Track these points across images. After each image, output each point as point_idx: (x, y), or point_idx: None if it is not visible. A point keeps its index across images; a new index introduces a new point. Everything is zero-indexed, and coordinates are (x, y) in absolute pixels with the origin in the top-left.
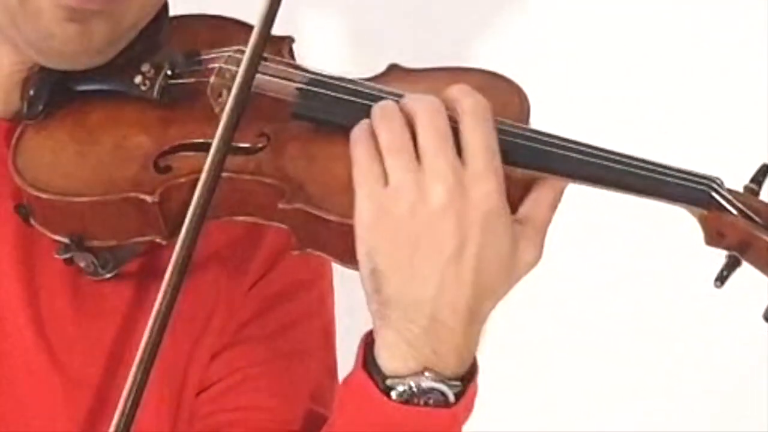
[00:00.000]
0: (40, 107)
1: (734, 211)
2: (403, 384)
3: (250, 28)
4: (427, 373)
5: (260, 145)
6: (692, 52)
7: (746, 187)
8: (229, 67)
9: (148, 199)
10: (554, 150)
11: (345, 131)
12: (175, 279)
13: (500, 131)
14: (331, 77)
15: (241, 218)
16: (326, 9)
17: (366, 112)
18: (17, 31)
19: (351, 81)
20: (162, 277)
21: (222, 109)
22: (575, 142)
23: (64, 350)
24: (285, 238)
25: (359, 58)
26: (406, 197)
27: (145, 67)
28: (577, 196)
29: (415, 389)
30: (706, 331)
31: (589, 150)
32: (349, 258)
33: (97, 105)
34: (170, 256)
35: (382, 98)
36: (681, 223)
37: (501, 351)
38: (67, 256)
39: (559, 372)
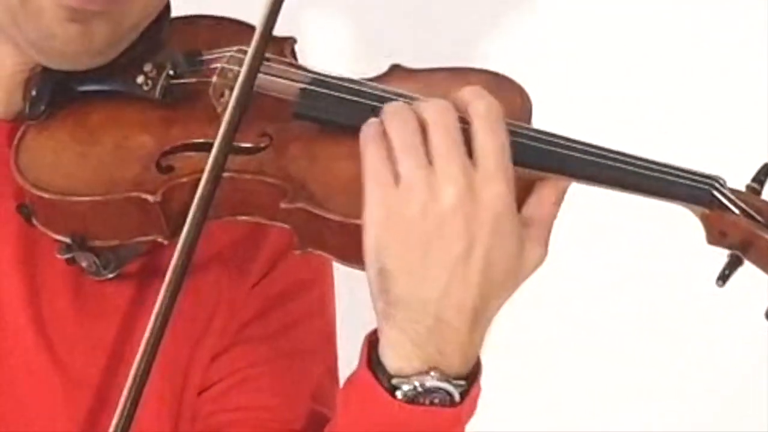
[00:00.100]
0: (42, 107)
1: (736, 210)
2: (409, 383)
3: (252, 28)
4: (432, 373)
5: (262, 145)
6: (692, 52)
7: (748, 187)
8: (231, 67)
9: (150, 198)
10: (556, 149)
11: (347, 131)
12: (176, 278)
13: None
14: (334, 77)
15: (242, 218)
16: (329, 9)
17: (369, 112)
18: (18, 30)
19: (353, 81)
20: (164, 277)
21: (224, 109)
22: (577, 142)
23: (65, 350)
24: (287, 238)
25: (361, 59)
26: (417, 198)
27: (147, 67)
28: (579, 195)
29: (420, 389)
30: (708, 330)
31: (591, 149)
32: (351, 257)
33: (99, 105)
34: (172, 256)
35: (384, 98)
36: (683, 222)
37: (504, 350)
38: (69, 256)
39: (560, 372)
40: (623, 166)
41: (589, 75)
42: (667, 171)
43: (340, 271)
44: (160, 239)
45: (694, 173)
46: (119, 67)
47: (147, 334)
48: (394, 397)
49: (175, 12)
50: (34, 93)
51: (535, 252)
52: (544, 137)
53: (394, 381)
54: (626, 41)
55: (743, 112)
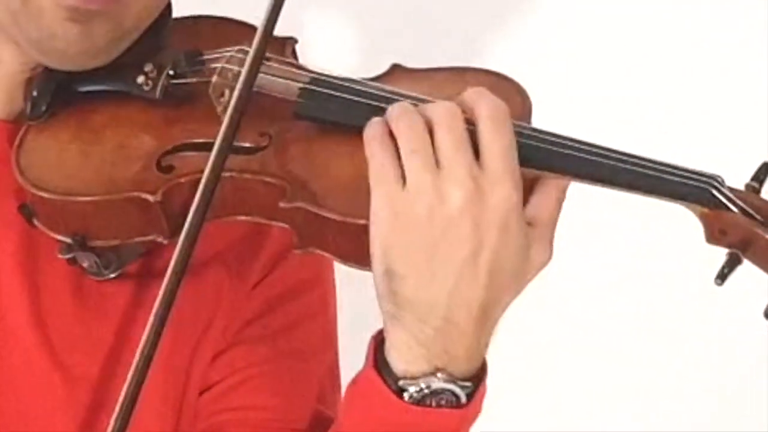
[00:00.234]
0: (44, 108)
1: (735, 209)
2: (416, 385)
3: (253, 28)
4: (439, 374)
5: (262, 145)
6: (692, 52)
7: (747, 185)
8: (232, 66)
9: (151, 198)
10: (556, 149)
11: (347, 131)
12: (175, 277)
13: None
14: (334, 77)
15: (242, 218)
16: (329, 9)
17: (369, 112)
18: (19, 31)
19: (353, 81)
20: (164, 277)
21: (224, 109)
22: (577, 141)
23: (66, 350)
24: (287, 238)
25: (362, 59)
26: (423, 199)
27: (147, 67)
28: (579, 195)
29: (427, 390)
30: (707, 329)
31: (591, 148)
32: (351, 257)
33: (100, 105)
34: (172, 256)
35: (385, 98)
36: (682, 221)
37: (506, 351)
38: (70, 256)
39: (560, 372)
40: (622, 165)
41: (589, 75)
42: (667, 170)
43: (342, 272)
44: (160, 239)
45: (693, 172)
46: (120, 67)
47: (146, 333)
48: (401, 398)
49: (177, 12)
50: (35, 93)
51: (540, 252)
52: (543, 136)
53: (401, 382)
54: (626, 41)
55: (743, 112)
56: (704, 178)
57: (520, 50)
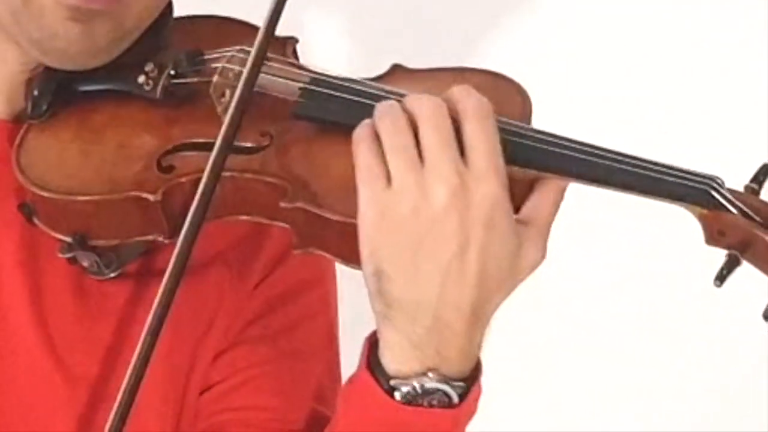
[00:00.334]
0: (44, 107)
1: (734, 210)
2: (407, 385)
3: (254, 28)
4: (430, 374)
5: (263, 145)
6: (692, 52)
7: (747, 187)
8: (232, 66)
9: (151, 198)
10: (556, 149)
11: (347, 131)
12: (174, 276)
13: (502, 130)
14: (334, 77)
15: (243, 217)
16: (330, 9)
17: (369, 112)
18: (21, 30)
19: (354, 81)
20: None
21: (225, 109)
22: (576, 142)
23: (67, 349)
24: (288, 238)
25: (363, 59)
26: (408, 197)
27: (148, 67)
28: (579, 195)
29: (419, 390)
30: (707, 330)
31: (590, 149)
32: (351, 257)
33: (101, 105)
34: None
35: (385, 98)
36: (681, 222)
37: (504, 351)
38: (70, 255)
39: (560, 372)
40: (621, 166)
41: (589, 75)
42: (666, 171)
43: (343, 272)
44: (160, 238)
45: (693, 173)
46: (121, 67)
47: (144, 332)
48: (393, 398)
49: (178, 12)
50: (36, 93)
51: (533, 252)
52: (542, 137)
53: (393, 382)
54: (626, 41)
55: (743, 112)
56: (703, 180)
57: (519, 50)
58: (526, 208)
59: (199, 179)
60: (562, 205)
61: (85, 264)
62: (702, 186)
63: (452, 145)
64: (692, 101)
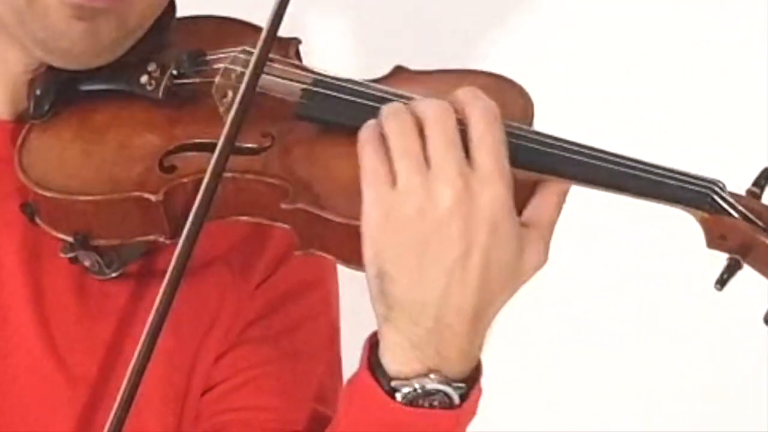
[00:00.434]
0: (47, 107)
1: (735, 214)
2: (408, 386)
3: (256, 29)
4: (431, 375)
5: (265, 146)
6: (692, 52)
7: (748, 191)
8: (235, 67)
9: (152, 198)
10: (557, 152)
11: (349, 132)
12: (175, 276)
13: (506, 134)
14: (337, 78)
15: (244, 218)
16: (333, 11)
17: (371, 113)
18: (25, 31)
19: (356, 82)
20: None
21: (227, 109)
22: (578, 144)
23: (68, 349)
24: (290, 239)
25: (365, 60)
26: (414, 200)
27: (151, 67)
28: (580, 198)
29: (420, 391)
30: (707, 331)
31: (592, 152)
32: (352, 258)
33: (103, 105)
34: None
35: (387, 99)
36: (682, 225)
37: (504, 351)
38: (72, 255)
39: (560, 372)
40: (623, 169)
41: (589, 75)
42: (667, 174)
43: (343, 271)
44: (161, 239)
45: (694, 177)
46: (123, 67)
47: (145, 332)
48: (394, 399)
49: (180, 12)
50: (38, 92)
51: (535, 254)
52: (545, 140)
53: (394, 383)
54: (626, 41)
55: (744, 114)
56: (705, 183)
57: (520, 51)
58: (528, 211)
59: (200, 180)
60: (564, 207)
61: (87, 264)
62: (703, 190)
63: (458, 147)
64: (692, 102)
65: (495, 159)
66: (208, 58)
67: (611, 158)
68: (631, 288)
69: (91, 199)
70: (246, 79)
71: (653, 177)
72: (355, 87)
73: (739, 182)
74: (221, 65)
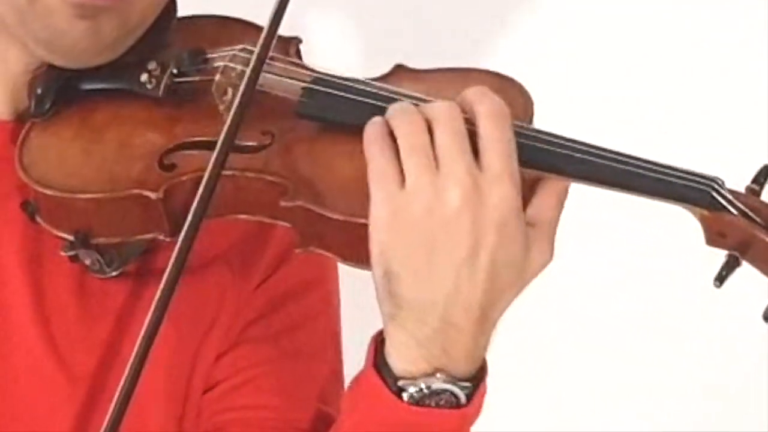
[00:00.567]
0: (47, 106)
1: (735, 211)
2: (415, 385)
3: (256, 27)
4: (438, 375)
5: (265, 144)
6: (691, 50)
7: (748, 188)
8: (235, 65)
9: (152, 196)
10: (557, 150)
11: (350, 131)
12: (174, 273)
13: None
14: (337, 77)
15: (243, 216)
16: (333, 9)
17: (371, 112)
18: (26, 30)
19: (356, 80)
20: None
21: (227, 108)
22: (577, 142)
23: (68, 348)
24: (291, 238)
25: (366, 59)
26: (422, 199)
27: (151, 66)
28: (580, 196)
29: (426, 390)
30: (706, 330)
31: (592, 150)
32: (352, 256)
33: (104, 103)
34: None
35: (387, 98)
36: (682, 222)
37: (508, 351)
38: (72, 253)
39: (561, 371)
40: (622, 166)
41: (589, 73)
42: (666, 172)
43: (344, 270)
44: (161, 237)
45: (693, 174)
46: (123, 66)
47: (143, 330)
48: (401, 398)
49: (181, 12)
50: (39, 91)
51: (541, 253)
52: (545, 137)
53: (401, 383)
54: (626, 41)
55: (744, 113)
56: (704, 180)
57: (520, 50)
58: (530, 210)
59: (200, 178)
60: (565, 204)
61: (87, 262)
62: (703, 187)
63: (466, 147)
64: (692, 101)
65: (504, 159)
66: (209, 56)
67: (611, 156)
68: (630, 285)
69: (92, 197)
70: (246, 77)
71: (652, 174)
72: (356, 85)
73: (738, 180)
74: (221, 63)
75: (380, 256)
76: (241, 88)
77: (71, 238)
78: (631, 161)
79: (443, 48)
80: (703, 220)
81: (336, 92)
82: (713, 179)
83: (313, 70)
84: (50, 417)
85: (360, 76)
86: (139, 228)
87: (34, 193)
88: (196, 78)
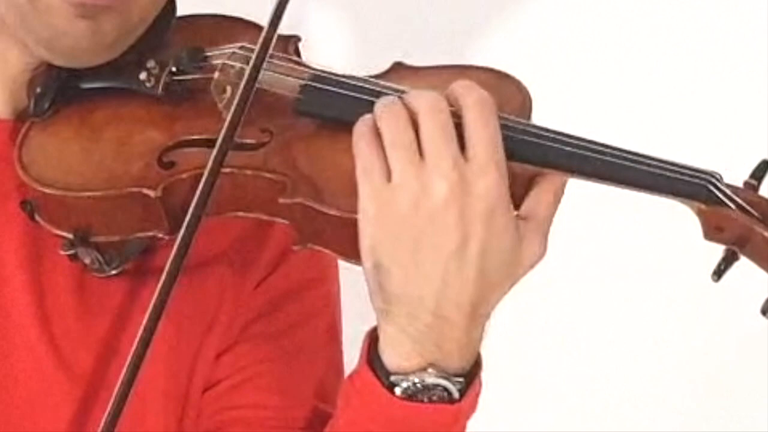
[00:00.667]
0: (47, 105)
1: (732, 206)
2: (407, 380)
3: (255, 26)
4: (430, 369)
5: (263, 141)
6: (689, 43)
7: (746, 183)
8: (233, 63)
9: (151, 194)
10: (555, 145)
11: (348, 127)
12: (172, 270)
13: (502, 126)
14: (335, 74)
15: (242, 214)
16: (332, 7)
17: (369, 109)
18: (27, 30)
19: (355, 78)
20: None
21: (226, 106)
22: (575, 137)
23: (69, 346)
24: (290, 236)
25: (364, 57)
26: (408, 192)
27: (150, 64)
28: (578, 191)
29: (419, 385)
30: (704, 325)
31: (589, 145)
32: (351, 253)
33: (103, 102)
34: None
35: (386, 95)
36: (680, 217)
37: (502, 349)
38: (72, 252)
39: (558, 368)
40: (620, 161)
41: (587, 70)
42: (664, 166)
43: (345, 267)
44: (160, 235)
45: (691, 169)
46: (123, 64)
47: (142, 326)
48: (393, 393)
49: (180, 11)
50: (38, 90)
51: (533, 247)
52: (542, 133)
53: (393, 378)
54: (624, 36)
55: (742, 107)
56: (702, 175)
57: (520, 47)
58: (527, 204)
59: (199, 175)
60: (563, 200)
61: (87, 261)
62: (700, 181)
63: (452, 139)
64: (690, 94)
65: (489, 150)
66: (208, 54)
67: (608, 151)
68: (628, 280)
69: (91, 195)
70: (246, 74)
71: (650, 169)
72: (354, 83)
73: (736, 174)
74: (220, 61)
75: (369, 251)
76: (241, 85)
77: (71, 236)
78: (628, 156)
79: (442, 44)
80: (701, 215)
81: (334, 89)
82: (711, 173)
83: (311, 68)
84: (50, 415)
85: (359, 73)
86: (139, 226)
87: (34, 192)
88: (195, 76)
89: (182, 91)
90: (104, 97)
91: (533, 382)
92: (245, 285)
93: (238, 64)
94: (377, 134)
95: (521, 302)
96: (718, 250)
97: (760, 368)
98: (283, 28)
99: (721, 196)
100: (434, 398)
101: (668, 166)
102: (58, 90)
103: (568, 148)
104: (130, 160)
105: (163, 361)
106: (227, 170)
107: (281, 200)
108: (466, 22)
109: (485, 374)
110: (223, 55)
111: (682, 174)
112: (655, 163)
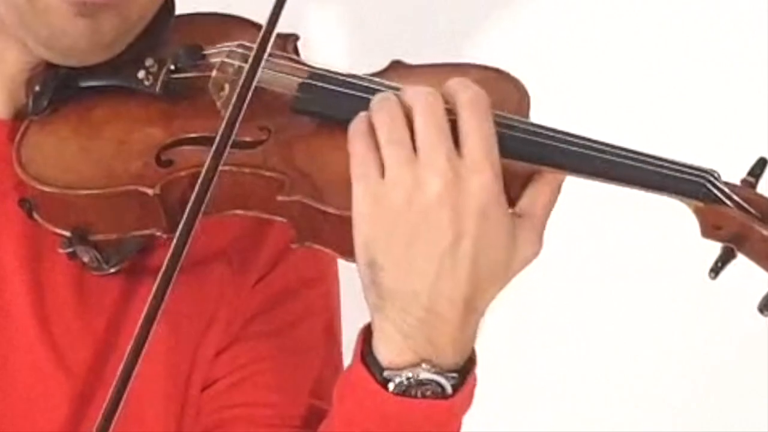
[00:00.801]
0: (45, 103)
1: (730, 203)
2: (400, 376)
3: (254, 25)
4: (424, 365)
5: (261, 139)
6: (687, 41)
7: (743, 180)
8: (231, 61)
9: (149, 192)
10: (552, 143)
11: (345, 125)
12: (170, 268)
13: (499, 124)
14: (333, 72)
15: (241, 212)
16: (331, 5)
17: (366, 106)
18: (26, 30)
19: (353, 76)
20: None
21: (224, 104)
22: (573, 135)
23: (68, 345)
24: (289, 234)
25: (363, 55)
26: (402, 189)
27: (148, 62)
28: (575, 189)
29: (412, 381)
30: (701, 323)
31: (587, 143)
32: (349, 252)
33: (101, 100)
34: None
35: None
36: (677, 215)
37: (503, 347)
38: (70, 250)
39: (556, 365)
40: (617, 159)
41: (586, 69)
42: (662, 164)
43: (343, 265)
44: (158, 233)
45: (689, 167)
46: (121, 63)
47: (139, 324)
48: (387, 389)
49: (179, 10)
50: (37, 89)
51: (528, 245)
52: (539, 131)
53: (386, 373)
54: (623, 33)
55: (740, 105)
56: (699, 173)
57: (519, 45)
58: (522, 202)
59: (197, 173)
60: (559, 198)
61: (85, 259)
62: (698, 179)
63: (446, 136)
64: (688, 92)
65: (484, 147)
66: (205, 53)
67: (605, 149)
68: (625, 278)
69: (89, 193)
70: (244, 73)
71: (647, 167)
72: (352, 81)
73: (734, 172)
74: (218, 59)
75: (363, 247)
76: (239, 84)
77: (69, 234)
78: (625, 153)
79: (441, 43)
80: (698, 212)
81: (332, 88)
82: (708, 171)
83: (310, 66)
84: (48, 413)
85: (357, 71)
86: (137, 224)
87: (32, 191)
88: (194, 74)
89: (180, 89)
90: (103, 96)
91: (533, 382)
92: (244, 283)
93: (236, 63)
94: (372, 131)
95: (519, 301)
96: (716, 248)
97: (760, 368)
98: (282, 27)
99: (718, 193)
100: (427, 393)
101: (665, 164)
102: (56, 89)
103: (565, 146)
104: (129, 159)
105: (162, 360)
106: (225, 168)
107: (279, 198)
108: (465, 22)
109: (485, 373)
110: (222, 53)
111: (680, 172)
112: (652, 160)
